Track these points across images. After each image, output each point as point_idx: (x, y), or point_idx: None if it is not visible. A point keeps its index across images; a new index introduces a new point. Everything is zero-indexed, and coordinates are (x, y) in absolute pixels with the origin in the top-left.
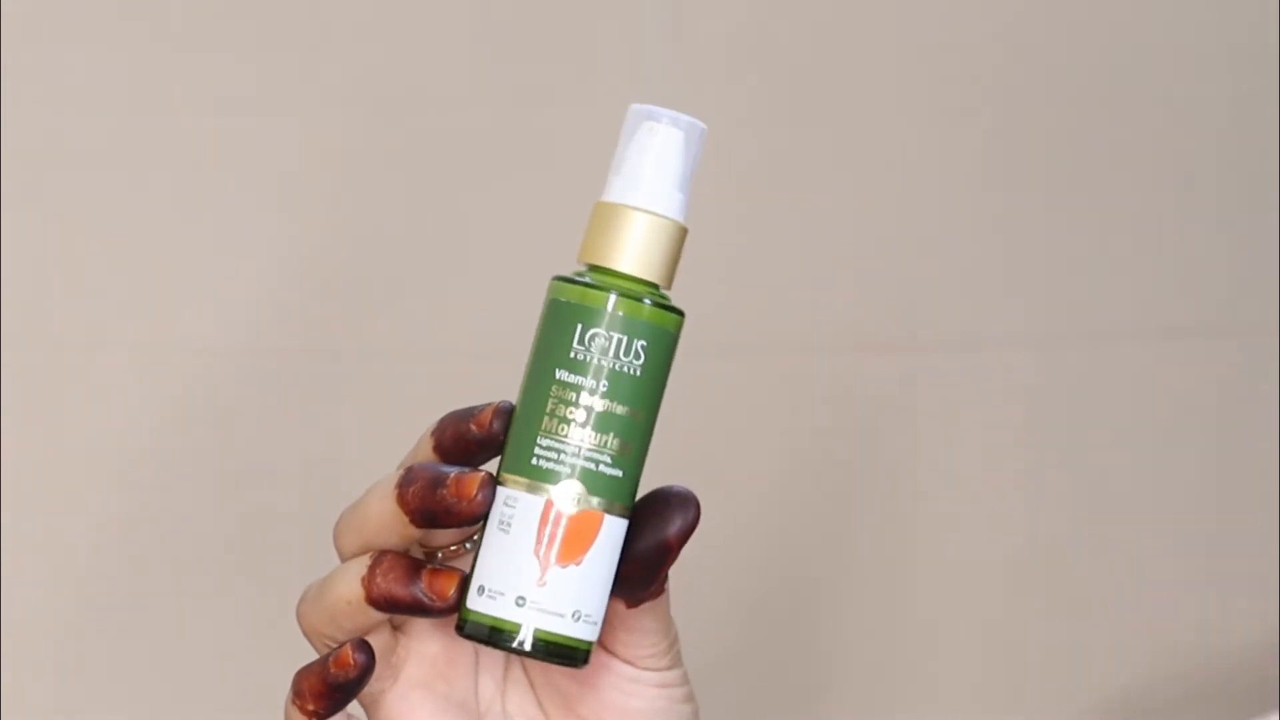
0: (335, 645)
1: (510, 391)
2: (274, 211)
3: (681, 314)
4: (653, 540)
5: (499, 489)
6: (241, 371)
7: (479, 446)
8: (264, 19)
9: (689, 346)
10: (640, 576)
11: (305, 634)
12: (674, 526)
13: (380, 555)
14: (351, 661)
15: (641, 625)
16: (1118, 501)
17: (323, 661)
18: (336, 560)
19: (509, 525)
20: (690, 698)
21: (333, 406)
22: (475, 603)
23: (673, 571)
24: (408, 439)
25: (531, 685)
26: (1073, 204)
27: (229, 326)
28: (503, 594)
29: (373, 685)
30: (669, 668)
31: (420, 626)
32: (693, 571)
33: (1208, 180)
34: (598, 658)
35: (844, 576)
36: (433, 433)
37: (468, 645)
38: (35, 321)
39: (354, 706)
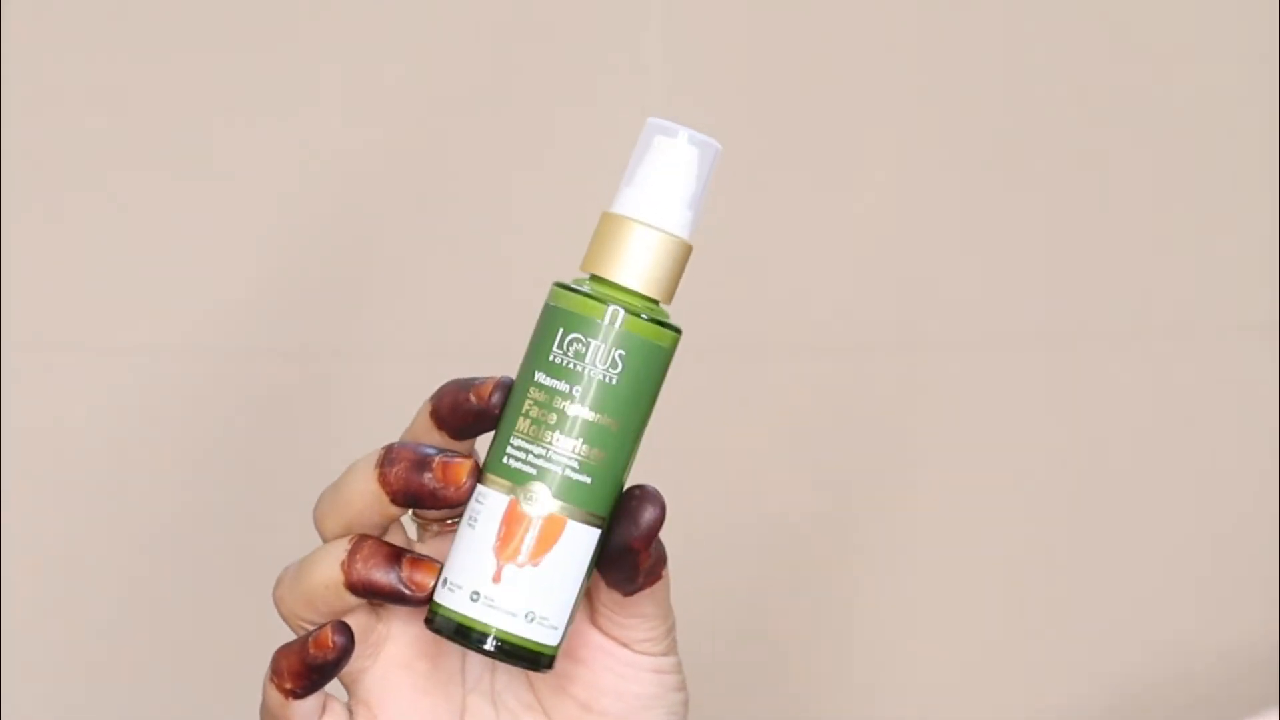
0: (313, 627)
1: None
2: (273, 212)
3: (678, 331)
4: (620, 542)
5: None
6: (241, 372)
7: (475, 417)
8: (262, 19)
9: (688, 347)
10: (617, 577)
11: (282, 617)
12: (639, 528)
13: (360, 540)
14: (331, 644)
15: (640, 610)
16: (1118, 501)
17: (302, 642)
18: None
19: (475, 521)
20: (682, 686)
21: (332, 407)
22: (440, 595)
23: (669, 569)
24: None
25: None
26: (1073, 203)
27: (228, 327)
28: (460, 587)
29: (352, 664)
30: (665, 654)
31: (400, 607)
32: (688, 570)
33: (1208, 180)
34: (595, 639)
35: (842, 576)
36: (431, 398)
37: None
38: (35, 321)
39: (333, 685)
